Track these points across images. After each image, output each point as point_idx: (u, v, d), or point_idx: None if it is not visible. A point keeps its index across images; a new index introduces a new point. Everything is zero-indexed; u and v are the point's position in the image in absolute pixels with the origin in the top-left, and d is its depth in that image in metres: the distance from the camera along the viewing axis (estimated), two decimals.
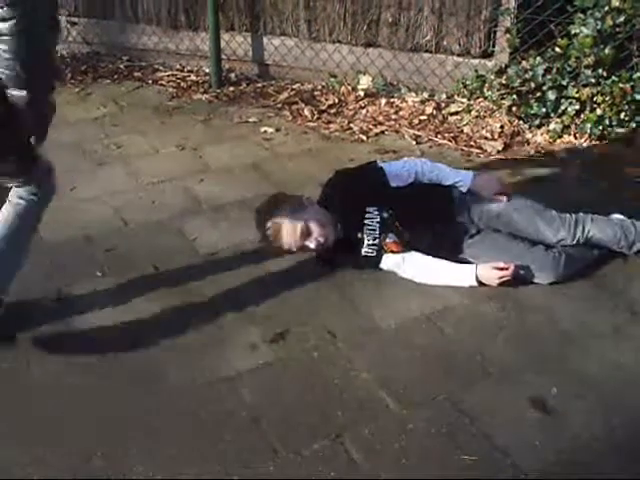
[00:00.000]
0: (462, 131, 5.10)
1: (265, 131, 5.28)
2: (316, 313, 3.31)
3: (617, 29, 4.61)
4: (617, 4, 4.55)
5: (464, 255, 3.57)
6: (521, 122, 5.04)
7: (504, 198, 3.58)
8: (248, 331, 3.19)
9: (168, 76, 6.40)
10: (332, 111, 5.56)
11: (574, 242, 3.53)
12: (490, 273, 3.43)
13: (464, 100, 5.34)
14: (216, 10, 5.88)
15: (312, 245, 3.52)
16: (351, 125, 5.21)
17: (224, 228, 4.01)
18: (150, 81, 6.33)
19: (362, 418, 2.72)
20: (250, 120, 5.48)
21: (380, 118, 5.35)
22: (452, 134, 5.08)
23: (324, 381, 2.90)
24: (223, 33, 6.12)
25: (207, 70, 6.29)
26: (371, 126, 5.18)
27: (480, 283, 3.45)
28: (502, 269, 3.40)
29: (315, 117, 5.46)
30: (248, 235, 3.87)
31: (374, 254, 3.54)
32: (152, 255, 3.74)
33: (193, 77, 6.35)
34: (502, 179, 3.47)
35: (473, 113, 5.21)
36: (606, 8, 4.61)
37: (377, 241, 3.52)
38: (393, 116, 5.29)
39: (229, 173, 4.65)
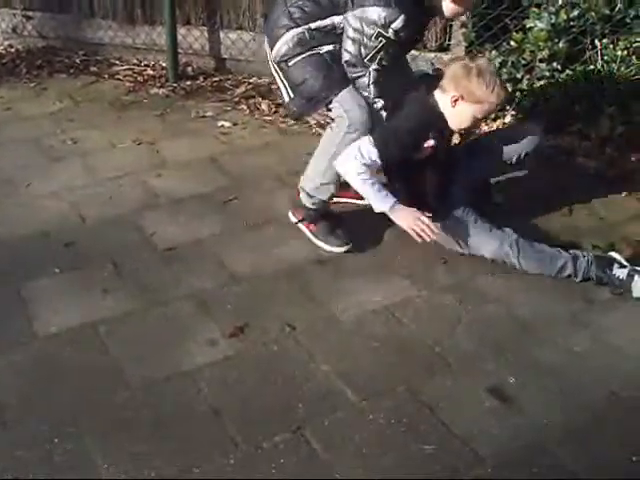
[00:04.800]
0: None
1: (222, 125, 5.27)
2: (276, 306, 3.32)
3: (571, 23, 4.65)
4: None
5: None
6: None
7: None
8: (208, 326, 3.20)
9: (124, 70, 6.34)
10: None
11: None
12: (407, 218, 3.47)
13: None
14: (172, 4, 5.84)
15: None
16: (308, 119, 5.22)
17: (182, 222, 4.00)
18: (106, 75, 6.26)
19: (322, 410, 2.75)
20: (207, 114, 5.46)
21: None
22: None
23: (284, 374, 2.92)
24: (180, 27, 6.08)
25: (164, 64, 6.24)
26: (328, 120, 5.14)
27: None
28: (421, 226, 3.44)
29: (272, 111, 5.45)
30: (206, 229, 3.88)
31: None
32: (110, 251, 3.73)
33: (150, 71, 6.30)
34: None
35: None
36: (560, 2, 4.66)
37: None
38: None
39: (186, 167, 4.64)
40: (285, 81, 3.71)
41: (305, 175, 3.84)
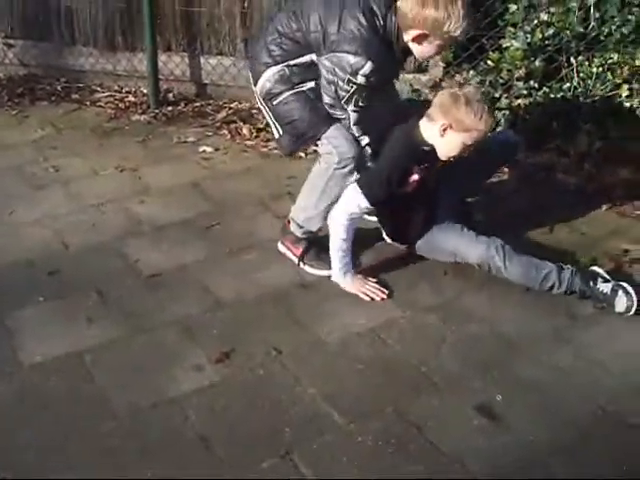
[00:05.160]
0: None
1: (204, 150, 5.28)
2: (261, 330, 3.33)
3: (546, 42, 4.70)
4: (546, 18, 4.65)
5: None
6: None
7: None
8: (193, 352, 3.20)
9: (106, 97, 6.35)
10: (270, 129, 5.53)
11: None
12: (355, 284, 3.61)
13: None
14: (153, 30, 5.87)
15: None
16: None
17: (166, 249, 4.01)
18: (88, 102, 6.27)
19: (310, 434, 2.75)
20: (189, 140, 5.47)
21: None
22: None
23: (271, 398, 2.92)
24: (160, 53, 6.10)
25: (145, 91, 6.25)
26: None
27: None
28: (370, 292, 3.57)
29: (254, 135, 5.47)
30: (190, 255, 3.89)
31: None
32: (95, 278, 3.73)
33: (131, 98, 6.31)
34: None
35: None
36: (535, 22, 4.70)
37: None
38: None
39: (169, 193, 4.65)
40: (273, 118, 3.74)
41: (295, 207, 3.87)
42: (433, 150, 3.51)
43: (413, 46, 3.39)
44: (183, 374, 3.07)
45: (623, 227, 4.14)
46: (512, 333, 3.31)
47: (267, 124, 5.41)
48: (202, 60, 6.17)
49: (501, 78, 4.83)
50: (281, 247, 3.92)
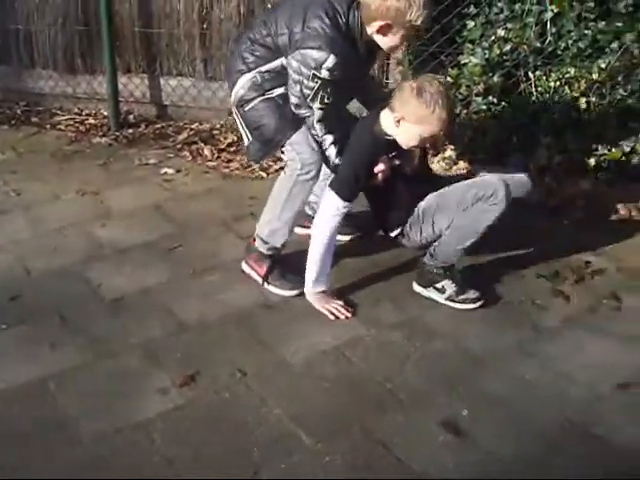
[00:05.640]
0: None
1: (165, 172, 5.27)
2: (225, 352, 3.32)
3: (504, 57, 4.74)
4: (503, 34, 4.69)
5: None
6: None
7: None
8: (158, 375, 3.18)
9: (66, 120, 6.33)
10: (232, 149, 5.56)
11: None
12: (321, 301, 3.63)
13: None
14: (112, 52, 5.87)
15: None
16: (251, 163, 5.24)
17: (128, 272, 3.98)
18: (48, 126, 6.25)
19: (278, 454, 2.74)
20: (150, 162, 5.46)
21: (279, 154, 5.34)
22: None
23: (237, 420, 2.91)
24: (120, 75, 6.10)
25: (105, 113, 6.24)
26: (271, 162, 5.18)
27: None
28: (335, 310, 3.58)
29: (215, 156, 5.47)
30: (153, 278, 3.87)
31: None
32: (57, 303, 3.70)
33: (92, 120, 6.30)
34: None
35: None
36: (493, 38, 4.74)
37: None
38: None
39: (131, 216, 4.63)
40: (244, 125, 3.79)
41: (260, 222, 3.88)
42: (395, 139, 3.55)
43: (378, 38, 3.45)
44: (148, 398, 3.04)
45: (584, 239, 4.17)
46: (476, 348, 3.32)
47: (228, 144, 5.48)
48: (162, 81, 6.19)
49: (460, 94, 4.85)
50: (245, 267, 3.93)
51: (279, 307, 3.65)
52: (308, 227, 3.81)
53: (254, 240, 3.88)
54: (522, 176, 3.78)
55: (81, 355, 3.33)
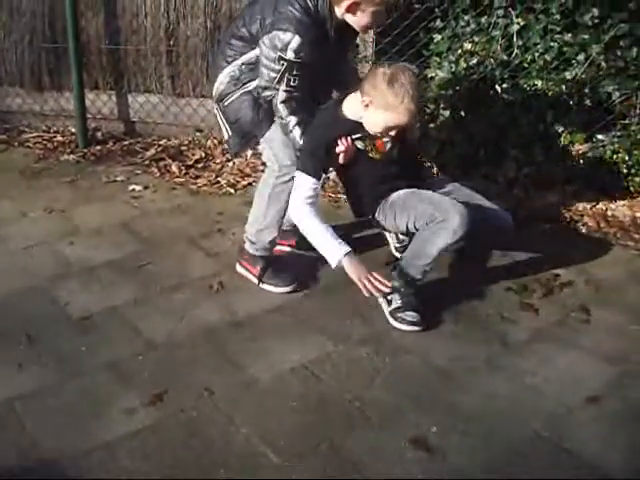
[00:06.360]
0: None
1: (133, 189, 5.25)
2: (193, 371, 3.29)
3: (471, 70, 4.77)
4: (469, 47, 4.73)
5: None
6: None
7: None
8: (126, 395, 3.15)
9: (34, 137, 6.29)
10: (199, 166, 5.56)
11: None
12: (358, 270, 3.45)
13: None
14: (79, 69, 5.84)
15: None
16: (219, 179, 5.23)
17: (96, 290, 3.95)
18: (16, 143, 6.21)
19: (246, 474, 2.72)
20: (118, 179, 5.43)
21: (247, 170, 5.37)
22: None
23: (204, 439, 2.89)
24: (88, 92, 6.08)
25: (73, 130, 6.21)
26: (239, 178, 5.20)
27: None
28: (371, 281, 3.41)
29: (183, 172, 5.45)
30: (120, 296, 3.85)
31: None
32: (24, 323, 3.66)
33: (59, 137, 6.26)
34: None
35: None
36: (459, 51, 4.78)
37: None
38: (260, 167, 5.25)
39: (98, 234, 4.60)
40: (223, 120, 3.85)
41: (247, 224, 3.94)
42: (359, 121, 3.58)
43: (349, 18, 3.50)
44: (115, 418, 3.02)
45: (553, 252, 4.19)
46: (445, 363, 3.31)
47: (196, 160, 5.47)
48: (129, 98, 6.17)
49: (427, 107, 4.87)
50: (239, 268, 3.99)
51: (247, 324, 3.63)
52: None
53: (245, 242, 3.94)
54: (504, 212, 3.80)
55: (48, 375, 3.29)
